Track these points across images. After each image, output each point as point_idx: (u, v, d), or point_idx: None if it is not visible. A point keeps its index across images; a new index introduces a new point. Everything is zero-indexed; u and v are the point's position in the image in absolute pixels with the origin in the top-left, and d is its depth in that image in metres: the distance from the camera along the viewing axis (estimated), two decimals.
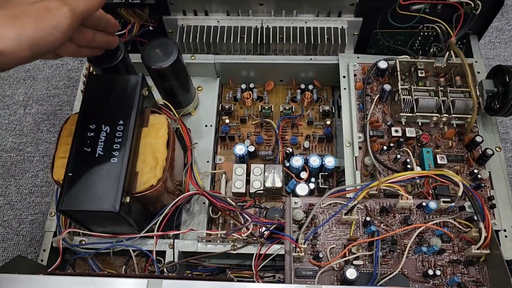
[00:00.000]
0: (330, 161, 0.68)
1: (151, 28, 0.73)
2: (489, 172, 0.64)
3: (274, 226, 0.59)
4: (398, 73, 0.66)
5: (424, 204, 0.57)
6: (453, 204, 0.56)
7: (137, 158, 0.57)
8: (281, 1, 0.71)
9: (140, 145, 0.58)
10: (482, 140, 0.64)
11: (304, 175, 0.69)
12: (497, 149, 0.66)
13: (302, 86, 0.78)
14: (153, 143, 0.58)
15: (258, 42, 0.74)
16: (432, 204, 0.56)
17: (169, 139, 0.59)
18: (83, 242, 0.61)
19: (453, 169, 0.64)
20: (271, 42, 0.74)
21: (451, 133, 0.66)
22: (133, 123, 0.56)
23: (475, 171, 0.63)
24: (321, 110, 0.75)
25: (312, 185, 0.68)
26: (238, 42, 0.74)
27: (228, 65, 0.75)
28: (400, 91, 0.65)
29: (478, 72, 0.72)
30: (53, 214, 0.65)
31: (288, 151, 0.71)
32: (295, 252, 0.54)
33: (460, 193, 0.54)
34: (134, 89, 0.58)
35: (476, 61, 0.74)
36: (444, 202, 0.56)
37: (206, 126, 0.74)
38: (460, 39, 0.75)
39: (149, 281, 0.46)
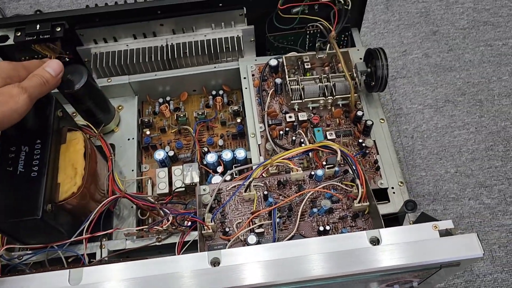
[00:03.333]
0: (240, 153, 0.76)
1: (67, 60, 0.81)
2: (374, 140, 0.74)
3: (187, 215, 0.67)
4: (285, 67, 0.76)
5: (312, 173, 0.65)
6: (336, 168, 0.65)
7: (57, 172, 0.64)
8: (179, 20, 0.81)
9: (60, 160, 0.65)
10: (363, 114, 0.73)
11: (220, 169, 0.77)
12: (381, 120, 0.76)
13: (213, 92, 0.87)
14: (72, 157, 0.65)
15: (166, 59, 0.83)
16: (319, 172, 0.65)
17: (86, 151, 0.66)
18: (21, 257, 0.67)
19: (342, 143, 0.73)
20: (176, 57, 0.83)
21: (338, 113, 0.75)
22: (50, 141, 0.63)
23: (360, 140, 0.72)
24: (230, 111, 0.84)
25: (228, 177, 0.76)
26: (147, 61, 0.83)
27: (143, 83, 0.83)
28: (288, 82, 0.74)
29: (360, 58, 0.83)
30: None
31: (204, 151, 0.79)
32: (204, 230, 0.61)
33: (338, 158, 0.63)
34: (49, 112, 0.65)
35: (358, 49, 0.84)
36: (328, 168, 0.65)
37: (128, 139, 0.81)
38: (342, 33, 0.86)
39: (71, 271, 0.53)
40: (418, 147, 0.87)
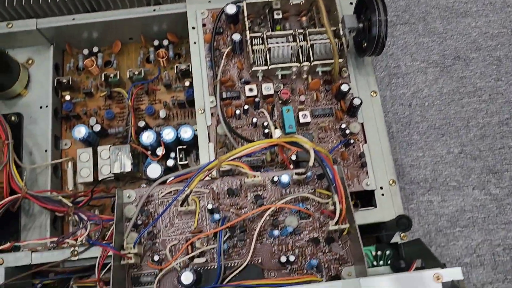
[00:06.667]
0: (186, 132, 0.58)
1: None
2: (362, 124, 0.56)
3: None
4: (245, 19, 0.55)
5: (275, 179, 0.48)
6: (308, 174, 0.48)
7: None
8: None
9: None
10: (349, 88, 0.54)
11: (160, 151, 0.59)
12: (372, 94, 0.57)
13: (156, 42, 0.66)
14: None
15: None
16: (285, 178, 0.48)
17: None
18: None
19: (319, 126, 0.55)
20: None
21: (316, 84, 0.56)
22: None
23: (343, 126, 0.54)
24: (177, 70, 0.63)
25: (171, 162, 0.59)
26: None
27: (58, 28, 0.62)
28: (248, 40, 0.54)
29: (351, 3, 0.61)
30: None
31: (140, 125, 0.60)
32: (123, 261, 0.45)
33: (311, 163, 0.45)
34: None
35: None
36: (297, 174, 0.47)
37: (41, 107, 0.62)
38: None
39: None
40: (417, 119, 0.69)
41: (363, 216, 0.53)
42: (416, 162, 0.67)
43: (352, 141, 0.54)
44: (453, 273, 0.40)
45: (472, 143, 0.68)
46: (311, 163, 0.45)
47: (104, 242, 0.50)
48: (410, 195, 0.65)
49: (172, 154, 0.60)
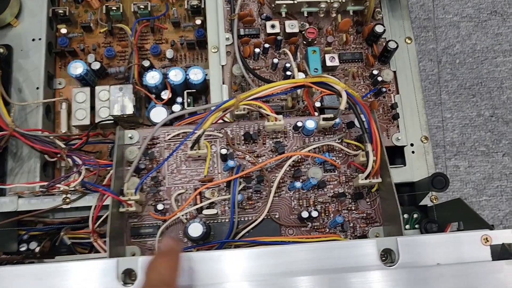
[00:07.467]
0: (196, 74, 0.52)
1: None
2: (394, 72, 0.50)
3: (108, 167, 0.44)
4: None
5: (299, 124, 0.42)
6: (337, 120, 0.42)
7: None
8: None
9: None
10: (384, 30, 0.48)
11: (166, 94, 0.53)
12: (407, 40, 0.51)
13: None
14: None
15: None
16: (310, 124, 0.42)
17: None
18: None
19: (348, 72, 0.49)
20: None
21: (346, 24, 0.50)
22: None
23: (375, 72, 0.48)
24: (188, 6, 0.56)
25: (177, 107, 0.53)
26: None
27: None
28: None
29: None
30: None
31: (144, 65, 0.54)
32: (122, 208, 0.40)
33: (342, 106, 0.40)
34: None
35: None
36: (324, 119, 0.42)
37: (34, 40, 0.55)
38: None
39: None
40: (446, 77, 0.64)
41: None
42: (444, 123, 0.62)
43: (384, 89, 0.48)
44: (504, 236, 0.35)
45: (505, 106, 0.63)
46: (342, 107, 0.39)
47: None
48: (435, 159, 0.60)
49: (179, 99, 0.54)
